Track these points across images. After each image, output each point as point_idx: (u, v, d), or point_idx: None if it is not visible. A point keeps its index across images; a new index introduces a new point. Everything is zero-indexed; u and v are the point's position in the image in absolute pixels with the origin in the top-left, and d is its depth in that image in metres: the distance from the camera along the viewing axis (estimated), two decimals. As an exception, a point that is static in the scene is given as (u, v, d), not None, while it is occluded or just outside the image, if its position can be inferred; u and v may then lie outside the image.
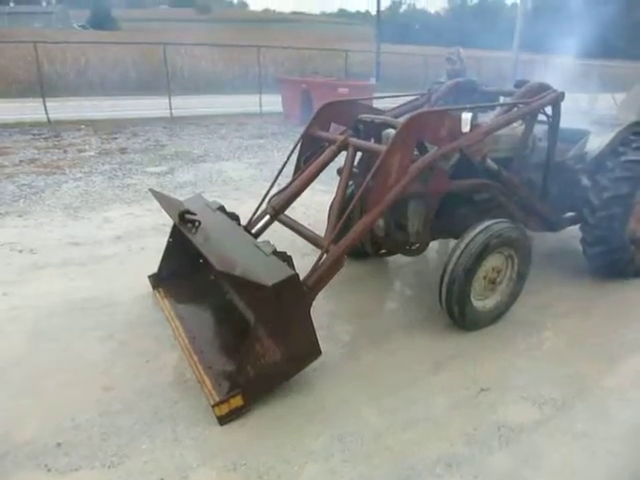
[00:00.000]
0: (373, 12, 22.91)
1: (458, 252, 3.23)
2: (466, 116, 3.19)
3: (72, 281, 4.12)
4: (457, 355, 3.24)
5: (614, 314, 3.87)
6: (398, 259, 4.59)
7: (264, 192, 6.58)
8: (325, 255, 2.92)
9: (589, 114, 5.44)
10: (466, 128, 3.20)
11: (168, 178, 7.37)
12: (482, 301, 3.49)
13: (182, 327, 3.30)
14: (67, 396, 2.75)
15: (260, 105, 14.88)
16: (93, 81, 18.82)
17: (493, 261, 3.42)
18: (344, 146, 3.38)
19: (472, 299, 3.37)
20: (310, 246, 4.84)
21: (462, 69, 5.62)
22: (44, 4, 79.17)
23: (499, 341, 3.41)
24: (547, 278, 4.37)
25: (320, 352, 2.77)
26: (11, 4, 71.86)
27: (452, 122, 3.17)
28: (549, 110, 3.82)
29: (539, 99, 3.69)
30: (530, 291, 3.84)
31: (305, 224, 5.47)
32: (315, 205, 6.01)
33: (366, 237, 3.71)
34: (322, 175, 7.18)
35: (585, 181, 4.14)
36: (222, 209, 3.56)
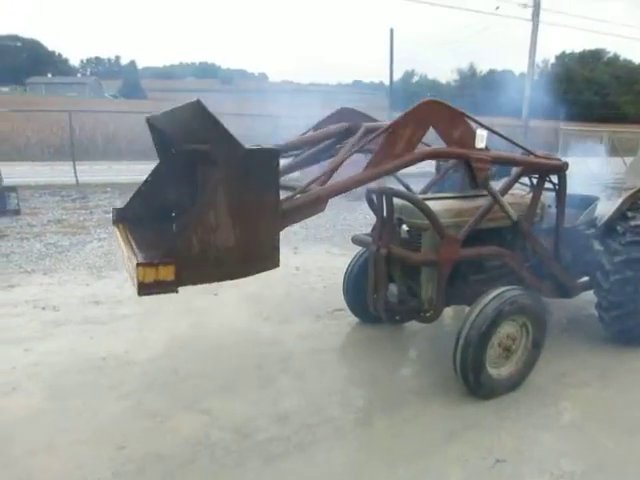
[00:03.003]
0: (387, 82, 24.01)
1: (472, 319, 3.27)
2: (482, 132, 3.27)
3: (91, 339, 4.21)
4: (472, 424, 3.20)
5: (633, 383, 3.81)
6: (412, 325, 4.61)
7: (281, 254, 6.70)
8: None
9: (599, 177, 5.59)
10: (480, 144, 3.27)
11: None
12: (497, 369, 3.48)
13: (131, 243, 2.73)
14: (81, 454, 2.78)
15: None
16: (120, 146, 19.75)
17: (507, 328, 3.44)
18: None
19: (487, 367, 3.36)
20: (325, 308, 4.95)
21: None
22: (79, 75, 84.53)
23: (515, 411, 3.36)
24: (564, 345, 4.33)
25: (278, 264, 2.47)
26: (49, 75, 76.88)
27: (467, 129, 3.22)
28: (555, 178, 3.96)
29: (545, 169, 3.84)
30: (547, 359, 3.81)
31: (320, 287, 5.62)
32: (330, 268, 6.11)
33: (380, 303, 3.77)
34: (338, 239, 7.30)
35: (597, 246, 4.21)
36: None
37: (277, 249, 2.43)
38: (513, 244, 3.93)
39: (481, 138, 3.25)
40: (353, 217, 9.54)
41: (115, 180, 13.10)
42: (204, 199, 2.26)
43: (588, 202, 4.58)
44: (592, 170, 6.83)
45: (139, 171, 15.30)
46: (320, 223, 8.95)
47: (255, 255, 2.38)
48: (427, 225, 3.46)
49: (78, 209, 9.76)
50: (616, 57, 58.30)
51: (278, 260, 2.46)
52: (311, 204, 2.68)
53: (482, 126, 3.30)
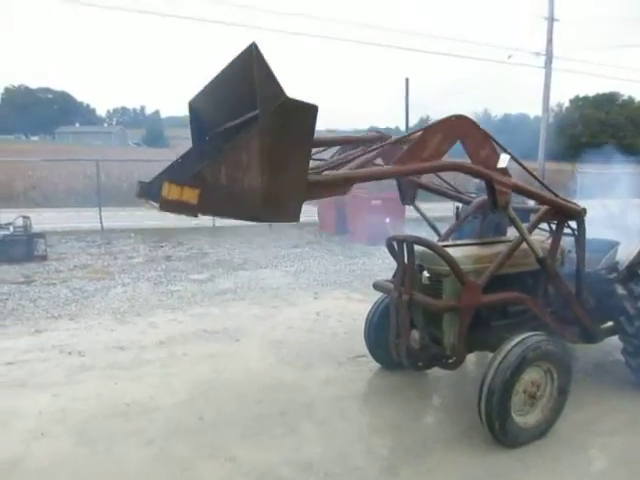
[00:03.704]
0: (402, 127, 24.55)
1: (495, 365, 3.26)
2: (505, 156, 3.36)
3: (116, 384, 4.27)
4: (499, 474, 3.14)
5: (664, 434, 3.71)
6: (435, 371, 4.58)
7: (301, 300, 6.80)
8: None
9: (619, 219, 5.59)
10: (502, 164, 3.34)
11: (209, 285, 7.71)
12: (523, 417, 3.43)
13: None
14: (108, 502, 2.79)
15: (297, 215, 15.64)
16: (144, 193, 20.34)
17: (532, 375, 3.41)
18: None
19: (513, 414, 3.32)
20: (347, 354, 4.96)
21: None
22: (105, 125, 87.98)
23: (542, 459, 3.29)
24: (591, 391, 4.25)
25: (297, 218, 2.46)
26: (77, 124, 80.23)
27: (492, 152, 3.32)
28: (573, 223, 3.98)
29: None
30: (574, 405, 3.74)
31: (341, 333, 5.64)
32: (351, 314, 6.13)
33: (402, 349, 3.79)
34: (358, 284, 7.33)
35: (620, 290, 4.19)
36: None
37: (299, 205, 2.44)
38: (535, 289, 3.94)
39: (504, 159, 3.35)
40: (372, 262, 9.61)
41: (138, 226, 13.45)
42: (240, 141, 2.29)
43: (608, 246, 4.59)
44: (612, 212, 6.83)
45: (160, 217, 15.70)
46: (339, 268, 9.04)
47: (278, 203, 2.36)
48: (448, 271, 3.51)
49: (103, 254, 10.02)
50: (631, 100, 58.65)
51: (298, 215, 2.47)
52: (338, 182, 2.75)
53: (505, 151, 3.42)
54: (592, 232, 4.14)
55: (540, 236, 4.29)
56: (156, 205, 2.29)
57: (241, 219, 2.46)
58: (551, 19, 20.90)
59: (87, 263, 9.22)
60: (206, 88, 2.80)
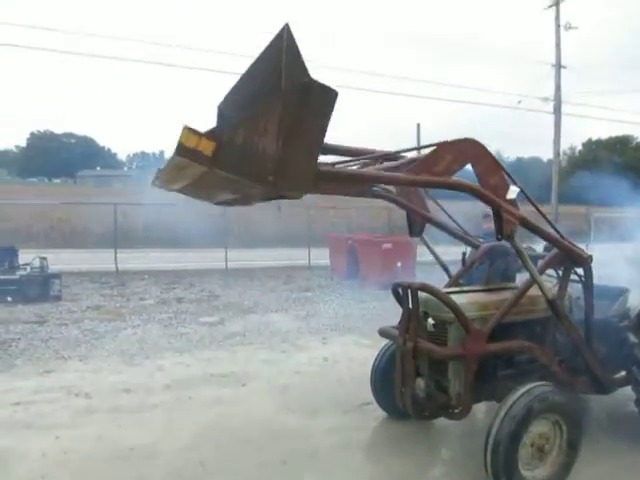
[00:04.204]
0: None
1: (500, 416, 3.19)
2: (514, 188, 3.35)
3: (120, 428, 4.26)
4: (507, 532, 3.02)
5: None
6: (442, 420, 4.48)
7: (310, 345, 6.75)
8: None
9: (636, 261, 5.54)
10: (510, 195, 3.33)
11: (219, 328, 7.72)
12: (531, 471, 3.32)
13: None
14: None
15: (309, 259, 15.72)
16: (160, 235, 20.66)
17: (539, 427, 3.32)
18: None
19: (520, 468, 3.22)
20: (353, 402, 4.88)
21: None
22: (125, 168, 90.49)
23: (553, 518, 3.17)
24: (605, 445, 4.09)
25: (300, 195, 2.52)
26: (98, 168, 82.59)
27: (503, 182, 3.32)
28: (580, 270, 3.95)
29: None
30: (587, 460, 3.59)
31: (348, 379, 5.56)
32: (359, 359, 6.07)
33: (407, 397, 3.74)
34: (367, 329, 7.26)
35: (632, 338, 4.10)
36: None
37: (307, 182, 2.47)
38: (544, 337, 3.89)
39: (513, 191, 3.36)
40: (383, 306, 9.54)
41: (152, 267, 13.64)
42: (260, 109, 2.39)
43: (618, 293, 4.53)
44: (628, 256, 6.76)
45: (174, 259, 15.94)
46: (349, 312, 9.01)
47: (288, 174, 2.40)
48: (453, 319, 3.50)
49: (115, 296, 10.15)
50: (645, 142, 58.69)
51: (307, 190, 2.51)
52: (346, 177, 2.83)
53: (515, 184, 3.43)
54: (605, 276, 4.09)
55: (548, 283, 4.27)
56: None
57: (251, 180, 2.45)
58: (558, 66, 21.40)
59: (100, 304, 9.33)
60: (234, 87, 2.90)
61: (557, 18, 21.98)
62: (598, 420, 4.60)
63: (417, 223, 4.39)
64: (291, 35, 2.32)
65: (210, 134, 2.33)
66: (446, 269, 4.87)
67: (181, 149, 2.24)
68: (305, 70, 2.33)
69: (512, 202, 3.36)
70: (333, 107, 2.40)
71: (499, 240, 3.63)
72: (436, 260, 4.83)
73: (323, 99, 2.35)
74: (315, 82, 2.32)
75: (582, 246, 4.12)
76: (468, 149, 3.24)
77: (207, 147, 2.26)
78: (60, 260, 12.41)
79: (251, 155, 2.34)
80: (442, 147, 3.15)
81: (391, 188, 4.14)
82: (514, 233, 3.37)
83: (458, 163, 3.18)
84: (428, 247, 4.76)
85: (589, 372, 3.93)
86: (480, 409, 4.68)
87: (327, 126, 2.46)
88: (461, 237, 4.75)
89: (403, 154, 3.68)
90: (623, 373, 4.23)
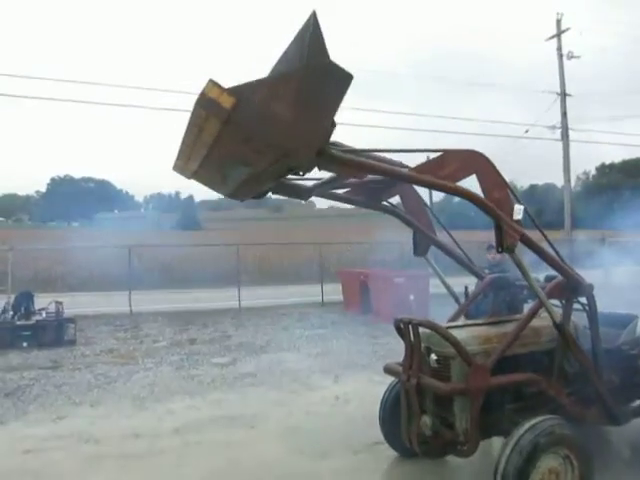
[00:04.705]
0: (429, 203, 24.81)
1: (506, 453, 3.14)
2: (519, 207, 3.36)
3: (127, 474, 4.24)
4: None
5: None
6: (454, 458, 4.38)
7: (321, 384, 6.74)
8: None
9: None
10: (517, 216, 3.33)
11: (230, 369, 7.71)
12: (544, 510, 3.23)
13: None
14: None
15: (322, 295, 15.68)
16: (175, 276, 20.89)
17: (549, 462, 3.24)
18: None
19: (532, 507, 3.14)
20: (364, 441, 4.79)
21: (502, 257, 5.90)
22: (142, 210, 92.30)
23: None
24: (628, 478, 3.95)
25: (317, 163, 2.68)
26: (115, 211, 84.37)
27: (507, 198, 3.31)
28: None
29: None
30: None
31: (359, 418, 5.48)
32: (371, 398, 5.95)
33: (414, 435, 3.69)
34: (380, 366, 7.20)
35: None
36: None
37: (315, 155, 2.59)
38: (550, 369, 3.83)
39: (518, 211, 3.36)
40: (396, 342, 9.37)
41: (166, 309, 13.73)
42: (280, 77, 2.52)
43: (627, 320, 4.45)
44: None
45: (190, 300, 16.06)
46: (362, 349, 8.92)
47: (297, 141, 2.51)
48: (454, 354, 3.48)
49: (129, 339, 10.21)
50: (660, 165, 58.32)
51: (314, 162, 2.64)
52: (351, 161, 2.88)
53: (519, 202, 3.44)
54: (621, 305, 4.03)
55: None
56: None
57: (265, 140, 2.54)
58: (563, 94, 21.64)
59: (113, 347, 9.39)
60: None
61: (559, 48, 22.45)
62: (619, 453, 4.45)
63: (422, 242, 4.43)
64: (317, 22, 2.47)
65: (233, 89, 2.41)
66: (456, 298, 4.85)
67: (203, 99, 2.34)
68: (326, 52, 2.46)
69: (517, 222, 3.38)
70: (347, 88, 2.52)
71: (500, 253, 3.60)
72: (443, 285, 4.81)
73: (340, 81, 2.47)
74: (334, 64, 2.43)
75: (598, 271, 4.09)
76: (472, 159, 3.32)
77: (227, 101, 2.35)
78: (76, 303, 12.58)
79: (265, 116, 2.43)
80: (448, 154, 3.25)
81: (399, 205, 4.16)
82: (514, 247, 3.36)
83: (462, 172, 3.27)
84: (433, 268, 4.74)
85: (600, 402, 3.84)
86: (495, 446, 4.56)
87: (339, 105, 2.58)
88: (466, 265, 4.75)
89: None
90: (638, 402, 4.13)
